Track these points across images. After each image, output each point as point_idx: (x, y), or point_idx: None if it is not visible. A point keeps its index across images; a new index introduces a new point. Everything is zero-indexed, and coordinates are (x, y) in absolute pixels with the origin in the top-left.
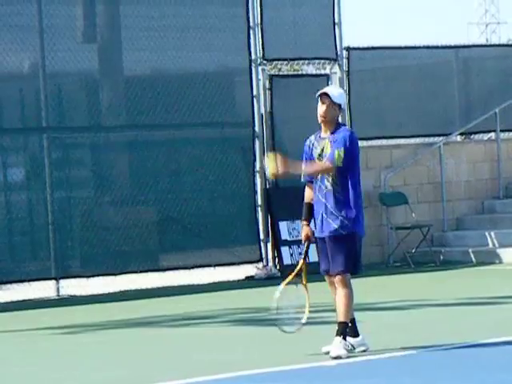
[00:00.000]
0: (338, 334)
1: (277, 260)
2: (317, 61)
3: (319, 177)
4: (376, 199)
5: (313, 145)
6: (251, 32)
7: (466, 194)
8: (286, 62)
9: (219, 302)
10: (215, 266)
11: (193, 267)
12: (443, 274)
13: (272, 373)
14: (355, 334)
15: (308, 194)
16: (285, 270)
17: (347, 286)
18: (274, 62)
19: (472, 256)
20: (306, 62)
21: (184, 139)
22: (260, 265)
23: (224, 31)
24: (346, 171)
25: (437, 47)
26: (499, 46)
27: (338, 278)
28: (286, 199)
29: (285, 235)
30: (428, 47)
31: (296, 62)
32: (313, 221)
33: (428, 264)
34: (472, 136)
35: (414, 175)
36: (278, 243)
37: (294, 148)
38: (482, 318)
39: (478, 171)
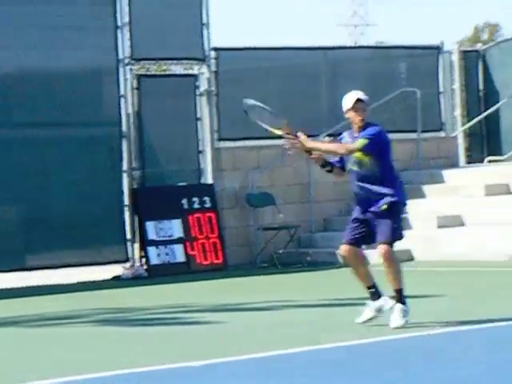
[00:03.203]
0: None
1: (144, 260)
2: (185, 61)
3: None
4: (243, 200)
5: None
6: (119, 31)
7: (333, 195)
8: (154, 62)
9: (85, 302)
10: (82, 265)
11: (60, 267)
12: (309, 275)
13: (134, 373)
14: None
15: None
16: (152, 270)
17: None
18: (142, 62)
19: (339, 257)
20: (174, 62)
21: (51, 138)
22: (127, 265)
23: (92, 30)
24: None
25: (305, 48)
26: (367, 47)
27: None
28: (153, 199)
29: (152, 235)
30: (297, 48)
31: (164, 61)
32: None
33: (295, 265)
34: (339, 137)
35: (282, 176)
36: (144, 243)
37: (161, 147)
38: (345, 318)
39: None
